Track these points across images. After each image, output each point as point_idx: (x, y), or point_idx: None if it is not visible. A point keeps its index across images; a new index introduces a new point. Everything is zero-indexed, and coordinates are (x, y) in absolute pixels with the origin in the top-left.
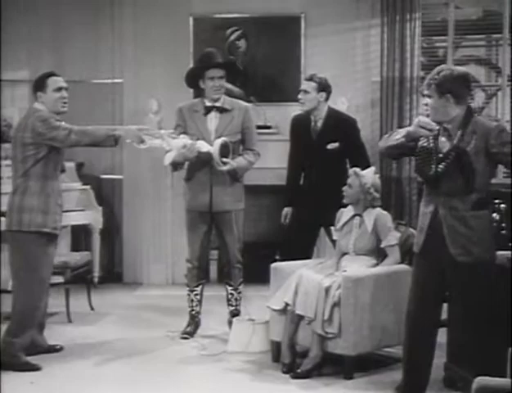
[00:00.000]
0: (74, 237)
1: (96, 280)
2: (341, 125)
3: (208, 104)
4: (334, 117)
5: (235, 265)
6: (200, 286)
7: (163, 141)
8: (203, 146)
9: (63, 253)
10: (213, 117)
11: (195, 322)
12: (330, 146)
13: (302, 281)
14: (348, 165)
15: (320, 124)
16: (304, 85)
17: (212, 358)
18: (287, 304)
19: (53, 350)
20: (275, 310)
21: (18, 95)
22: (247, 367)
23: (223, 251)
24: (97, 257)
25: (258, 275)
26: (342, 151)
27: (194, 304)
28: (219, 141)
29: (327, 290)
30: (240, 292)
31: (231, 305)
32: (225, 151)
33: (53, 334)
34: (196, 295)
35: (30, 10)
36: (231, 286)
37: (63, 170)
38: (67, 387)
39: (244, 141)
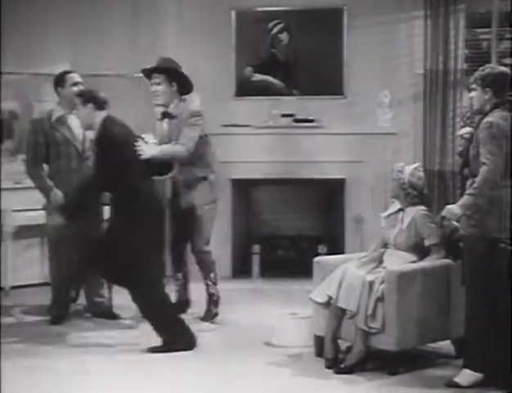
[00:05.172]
0: None
1: None
2: None
3: None
4: None
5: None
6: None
7: None
8: None
9: None
10: None
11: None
12: None
13: (346, 275)
14: None
15: None
16: None
17: (254, 352)
18: (330, 298)
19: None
20: (317, 303)
21: None
22: (290, 361)
23: None
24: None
25: (301, 269)
26: None
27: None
28: None
29: (371, 284)
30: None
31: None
32: None
33: (96, 326)
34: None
35: (72, 4)
36: None
37: None
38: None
39: None
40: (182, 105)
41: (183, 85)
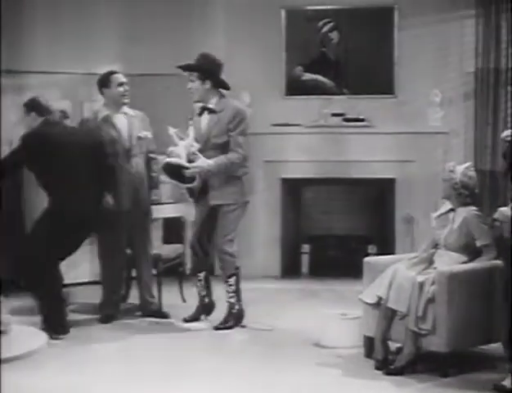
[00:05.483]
0: (166, 230)
1: (187, 272)
2: None
3: None
4: None
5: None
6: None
7: None
8: None
9: (155, 245)
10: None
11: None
12: None
13: (396, 275)
14: None
15: None
16: None
17: (303, 352)
18: (380, 299)
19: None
20: (367, 304)
21: None
22: (339, 362)
23: None
24: (189, 250)
25: (350, 269)
26: None
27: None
28: None
29: (421, 285)
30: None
31: None
32: None
33: (146, 326)
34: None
35: (123, 6)
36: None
37: None
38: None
39: None
40: (224, 101)
41: (218, 83)
